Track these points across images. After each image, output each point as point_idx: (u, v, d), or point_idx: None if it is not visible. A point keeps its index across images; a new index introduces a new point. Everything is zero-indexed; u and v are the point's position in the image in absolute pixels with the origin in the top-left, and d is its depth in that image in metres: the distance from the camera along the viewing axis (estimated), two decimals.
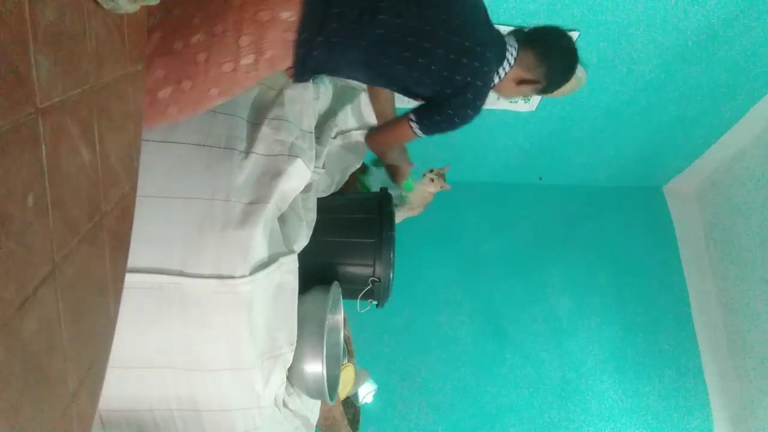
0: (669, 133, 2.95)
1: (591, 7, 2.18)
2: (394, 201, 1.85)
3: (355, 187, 2.10)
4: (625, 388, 2.94)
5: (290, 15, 1.12)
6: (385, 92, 1.58)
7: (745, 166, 2.93)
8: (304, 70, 1.22)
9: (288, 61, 1.19)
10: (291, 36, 1.15)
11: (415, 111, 1.40)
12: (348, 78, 1.37)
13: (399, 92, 1.40)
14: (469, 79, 1.27)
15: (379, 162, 1.86)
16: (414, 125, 1.40)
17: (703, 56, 2.43)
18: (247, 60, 1.15)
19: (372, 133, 1.64)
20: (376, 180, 1.93)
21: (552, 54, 1.39)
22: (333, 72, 1.31)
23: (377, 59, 1.24)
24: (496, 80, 1.38)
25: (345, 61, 1.24)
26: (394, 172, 1.76)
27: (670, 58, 2.43)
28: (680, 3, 2.17)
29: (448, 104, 1.32)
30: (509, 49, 1.36)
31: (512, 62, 1.36)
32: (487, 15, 1.36)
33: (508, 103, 2.63)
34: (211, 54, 1.13)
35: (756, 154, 2.85)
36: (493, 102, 2.60)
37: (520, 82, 1.40)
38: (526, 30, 1.43)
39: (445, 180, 1.93)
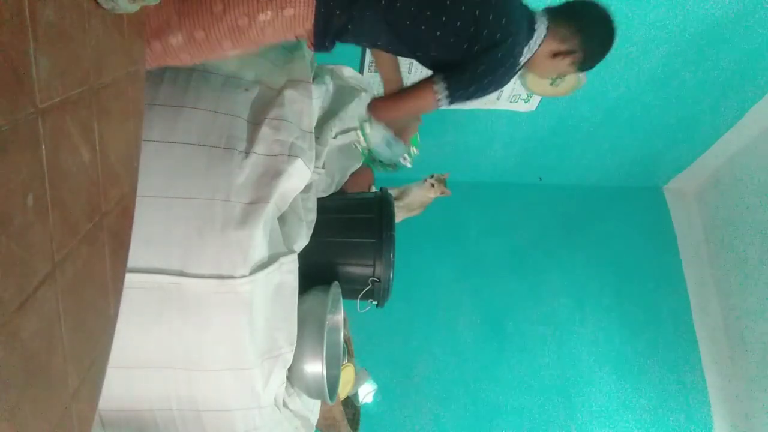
0: (669, 133, 2.95)
1: None
2: (401, 161, 1.71)
3: (369, 179, 2.03)
4: (625, 388, 2.94)
5: None
6: (389, 56, 1.47)
7: (745, 166, 2.93)
8: (325, 33, 1.19)
9: (309, 22, 1.17)
10: None
11: (439, 75, 1.28)
12: (370, 45, 1.32)
13: (422, 60, 1.32)
14: (498, 35, 1.20)
15: None
16: (439, 90, 1.27)
17: (703, 56, 2.43)
18: (264, 16, 1.14)
19: (380, 102, 1.47)
20: (378, 133, 1.73)
21: (587, 22, 1.31)
22: (355, 36, 1.25)
23: (399, 20, 1.20)
24: (528, 54, 1.29)
25: (367, 22, 1.20)
26: (400, 131, 1.63)
27: (669, 58, 2.43)
28: (680, 3, 2.17)
29: (478, 60, 1.22)
30: (538, 21, 1.29)
31: (544, 32, 1.29)
32: None
33: (508, 103, 2.63)
34: (228, 5, 1.12)
35: (756, 154, 2.85)
36: (493, 102, 2.62)
37: (556, 55, 1.31)
38: (556, 6, 1.36)
39: (445, 185, 1.93)
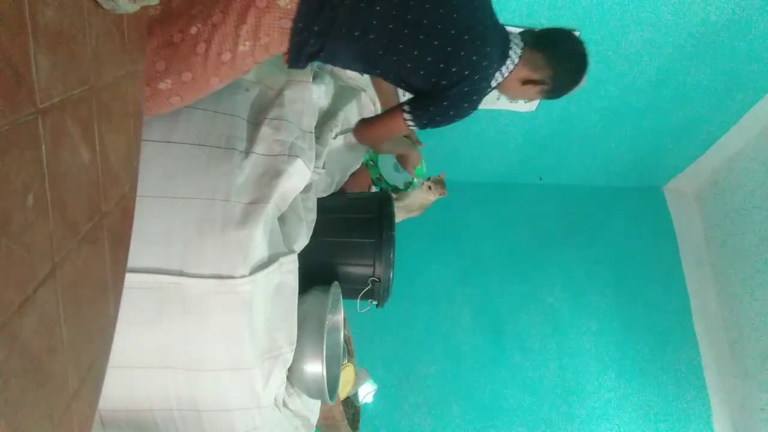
0: (669, 133, 2.95)
1: (591, 6, 2.18)
2: (405, 187, 1.78)
3: (369, 179, 2.07)
4: (625, 388, 2.94)
5: (287, 2, 1.16)
6: (386, 83, 1.57)
7: (745, 166, 2.93)
8: (299, 57, 1.24)
9: (284, 47, 1.21)
10: (287, 24, 1.17)
11: (408, 102, 1.37)
12: (344, 68, 1.37)
13: (394, 83, 1.39)
14: (466, 72, 1.25)
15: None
16: (407, 116, 1.36)
17: (703, 56, 2.43)
18: (243, 47, 1.18)
19: (361, 126, 1.56)
20: (387, 164, 1.80)
21: (560, 56, 1.35)
22: (328, 61, 1.31)
23: (372, 50, 1.24)
24: (499, 78, 1.35)
25: (340, 50, 1.25)
26: (402, 160, 1.71)
27: (669, 58, 2.43)
28: (680, 3, 2.17)
29: (443, 95, 1.29)
30: (513, 47, 1.33)
31: (516, 61, 1.33)
32: (492, 12, 1.35)
33: (508, 103, 2.63)
34: (211, 44, 1.16)
35: (756, 154, 2.85)
36: (493, 102, 2.62)
37: (526, 82, 1.36)
38: (535, 30, 1.40)
39: (443, 187, 1.93)
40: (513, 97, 1.46)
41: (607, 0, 2.16)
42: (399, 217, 1.92)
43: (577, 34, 1.42)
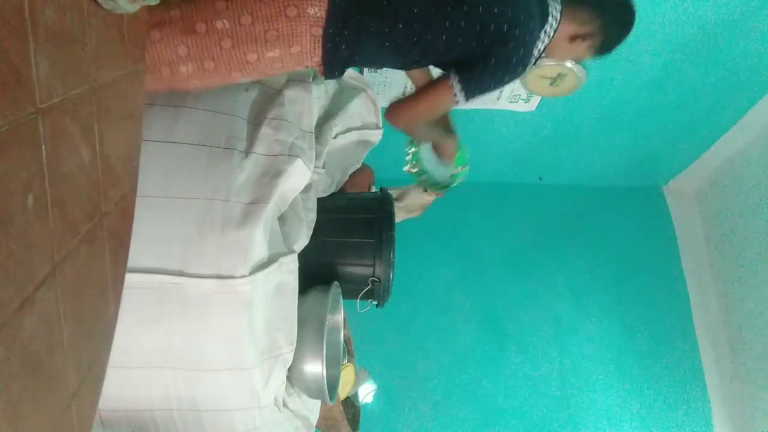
0: (669, 133, 2.95)
1: None
2: (449, 182, 1.64)
3: (370, 179, 1.97)
4: (625, 388, 2.94)
5: (317, 10, 1.15)
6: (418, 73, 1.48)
7: (745, 166, 2.92)
8: (334, 63, 1.23)
9: (316, 57, 1.20)
10: (318, 31, 1.16)
11: (455, 70, 1.25)
12: (380, 67, 1.35)
13: (437, 65, 1.32)
14: (506, 27, 1.19)
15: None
16: (455, 84, 1.23)
17: (703, 56, 2.43)
18: (272, 53, 1.18)
19: (395, 107, 1.35)
20: (428, 152, 1.58)
21: (605, 3, 1.30)
22: (364, 63, 1.30)
23: (404, 40, 1.21)
24: (545, 39, 1.28)
25: (373, 49, 1.23)
26: (439, 150, 1.55)
27: (670, 58, 2.43)
28: (680, 3, 2.17)
29: (489, 54, 1.21)
30: (551, 3, 1.27)
31: (558, 17, 1.27)
32: None
33: (508, 103, 2.63)
34: (237, 42, 1.16)
35: (756, 154, 2.85)
36: (493, 102, 2.62)
37: (574, 38, 1.30)
38: None
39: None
40: (563, 59, 1.45)
41: None
42: (399, 217, 1.92)
43: None
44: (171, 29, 1.14)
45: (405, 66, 1.36)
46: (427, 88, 1.32)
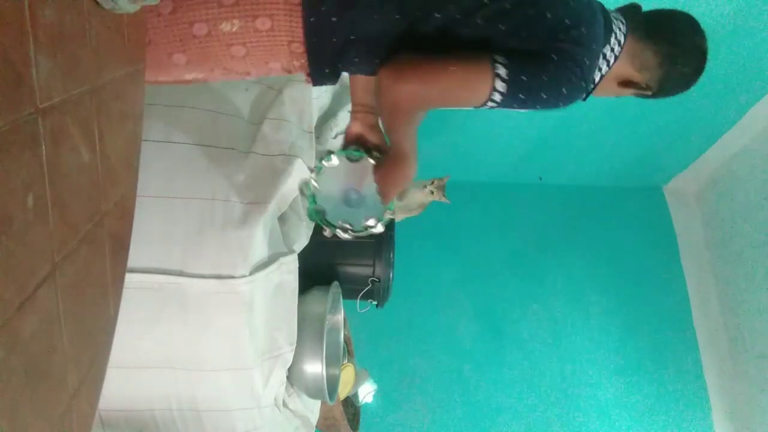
0: (669, 133, 2.95)
1: None
2: (361, 229, 1.14)
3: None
4: (625, 388, 2.94)
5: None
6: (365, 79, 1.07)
7: (745, 166, 2.92)
8: (321, 54, 0.92)
9: (296, 42, 0.91)
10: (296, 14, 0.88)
11: (502, 55, 0.88)
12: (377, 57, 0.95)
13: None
14: (567, 21, 0.87)
15: (348, 150, 1.12)
16: (501, 69, 0.86)
17: None
18: (228, 26, 0.89)
19: (409, 63, 0.90)
20: (337, 176, 1.13)
21: (678, 54, 0.99)
22: (359, 55, 0.94)
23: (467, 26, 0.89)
24: (605, 65, 0.96)
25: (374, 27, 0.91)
26: (391, 172, 0.99)
27: None
28: (680, 3, 2.17)
29: (548, 48, 0.88)
30: (616, 22, 0.97)
31: (622, 41, 0.96)
32: None
33: None
34: (187, 13, 0.90)
35: (756, 154, 2.84)
36: None
37: (625, 83, 1.02)
38: (639, 8, 1.02)
39: (444, 192, 1.92)
40: (601, 96, 1.09)
41: (607, 1, 2.16)
42: (399, 216, 1.92)
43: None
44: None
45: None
46: (460, 56, 0.90)
